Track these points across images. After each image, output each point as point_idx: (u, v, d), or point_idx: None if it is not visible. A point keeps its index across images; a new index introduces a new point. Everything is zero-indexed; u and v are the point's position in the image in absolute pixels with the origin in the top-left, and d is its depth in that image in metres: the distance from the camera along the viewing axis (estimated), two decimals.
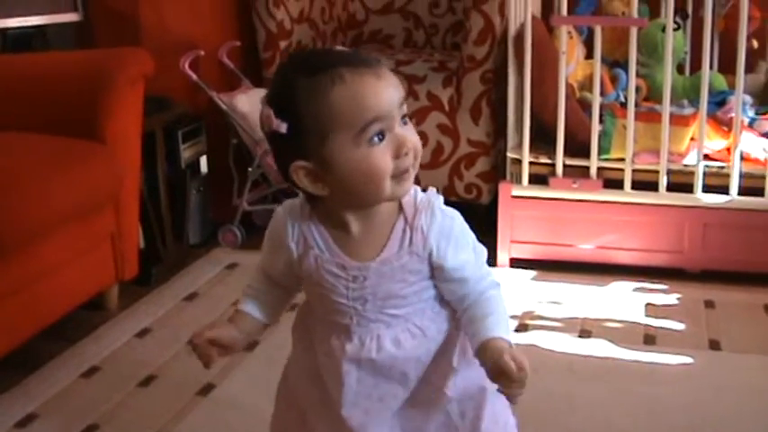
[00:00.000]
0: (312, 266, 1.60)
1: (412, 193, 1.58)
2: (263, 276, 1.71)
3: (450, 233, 1.58)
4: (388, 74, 1.49)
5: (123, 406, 2.59)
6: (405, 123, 1.49)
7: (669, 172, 3.36)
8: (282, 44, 3.89)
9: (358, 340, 1.60)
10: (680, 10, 3.76)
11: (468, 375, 1.66)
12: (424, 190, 1.61)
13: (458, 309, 1.63)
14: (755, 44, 3.83)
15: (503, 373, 1.48)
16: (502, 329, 1.56)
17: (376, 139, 1.45)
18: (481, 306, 1.60)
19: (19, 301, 2.66)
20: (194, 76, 3.60)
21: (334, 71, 1.44)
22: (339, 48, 1.72)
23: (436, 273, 1.59)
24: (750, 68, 3.72)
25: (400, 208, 1.57)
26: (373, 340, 1.60)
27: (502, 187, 3.51)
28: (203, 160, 3.78)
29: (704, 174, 3.33)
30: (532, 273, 3.46)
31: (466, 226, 1.62)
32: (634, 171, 3.38)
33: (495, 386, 1.56)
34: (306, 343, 1.70)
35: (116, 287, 3.21)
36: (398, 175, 1.49)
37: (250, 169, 3.75)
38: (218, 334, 1.65)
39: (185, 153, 3.64)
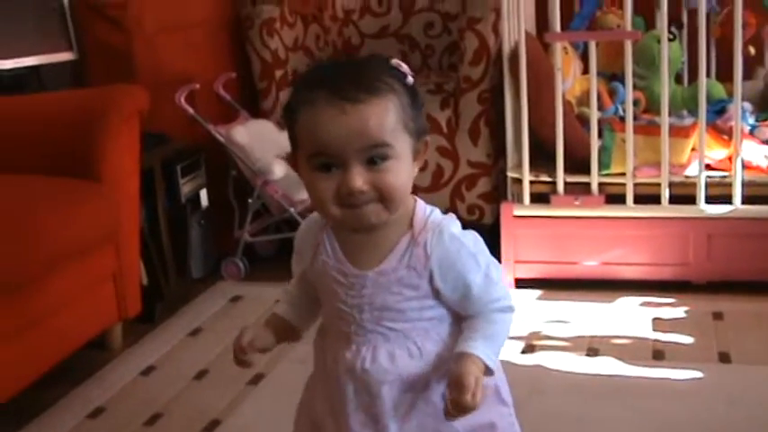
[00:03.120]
0: (319, 271, 1.64)
1: (427, 212, 1.59)
2: (298, 280, 1.74)
3: (456, 259, 1.57)
4: (364, 111, 1.47)
5: None
6: (374, 164, 1.49)
7: (671, 184, 3.33)
8: (278, 73, 3.88)
9: (356, 348, 1.61)
10: (674, 20, 3.74)
11: (480, 410, 1.62)
12: (447, 212, 1.62)
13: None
14: (752, 51, 3.82)
15: (459, 388, 1.50)
16: (486, 350, 1.55)
17: (322, 169, 1.50)
18: (478, 322, 1.59)
19: (21, 344, 2.64)
20: (191, 110, 3.59)
21: (312, 93, 1.49)
22: (361, 60, 1.72)
23: (439, 294, 1.59)
24: (748, 75, 3.70)
25: (411, 225, 1.58)
26: (369, 350, 1.60)
27: (504, 207, 3.49)
28: (203, 193, 3.77)
29: (706, 184, 3.31)
30: (538, 292, 3.43)
31: (479, 249, 1.59)
32: (636, 185, 3.36)
33: (507, 423, 1.64)
34: (320, 354, 1.72)
35: (119, 325, 3.19)
36: (347, 206, 1.51)
37: (250, 200, 3.74)
38: (254, 341, 1.70)
39: (185, 187, 3.63)
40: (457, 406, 1.49)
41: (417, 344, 1.60)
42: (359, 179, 1.47)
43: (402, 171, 1.51)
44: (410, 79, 1.55)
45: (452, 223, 1.59)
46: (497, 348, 1.59)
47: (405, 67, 1.57)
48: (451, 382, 1.51)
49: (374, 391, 1.61)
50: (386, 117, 1.48)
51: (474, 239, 1.60)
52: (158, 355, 3.12)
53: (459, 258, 1.56)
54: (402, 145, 1.51)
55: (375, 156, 1.48)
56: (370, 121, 1.47)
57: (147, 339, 3.24)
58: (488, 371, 1.55)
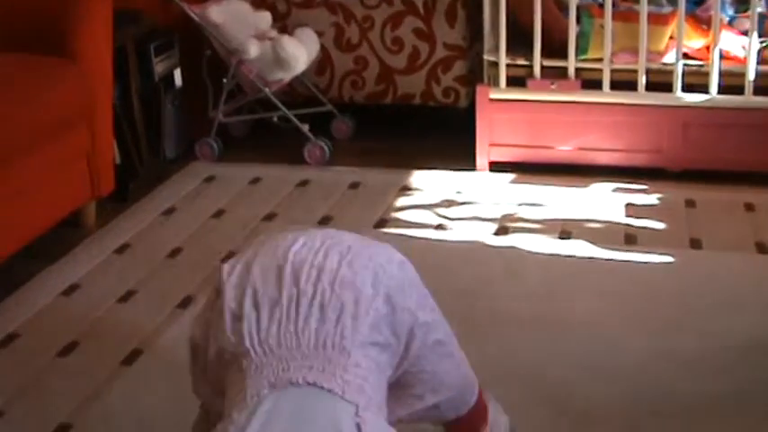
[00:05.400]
0: None
1: None
2: None
3: None
4: None
5: (103, 322, 2.58)
6: None
7: (648, 71, 3.32)
8: None
9: None
10: None
11: None
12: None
13: None
14: None
15: None
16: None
17: None
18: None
19: None
20: None
21: None
22: None
23: None
24: None
25: None
26: None
27: (479, 91, 3.47)
28: (177, 73, 3.72)
29: (683, 73, 3.30)
30: (512, 175, 3.44)
31: None
32: (612, 71, 3.34)
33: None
34: None
35: (93, 204, 3.18)
36: None
37: (225, 80, 3.70)
38: None
39: (158, 67, 3.59)
40: None
41: None
42: None
43: None
44: None
45: None
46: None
47: None
48: None
49: None
50: None
51: None
52: (132, 233, 3.12)
53: None
54: None
55: None
56: None
57: (120, 218, 3.24)
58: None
